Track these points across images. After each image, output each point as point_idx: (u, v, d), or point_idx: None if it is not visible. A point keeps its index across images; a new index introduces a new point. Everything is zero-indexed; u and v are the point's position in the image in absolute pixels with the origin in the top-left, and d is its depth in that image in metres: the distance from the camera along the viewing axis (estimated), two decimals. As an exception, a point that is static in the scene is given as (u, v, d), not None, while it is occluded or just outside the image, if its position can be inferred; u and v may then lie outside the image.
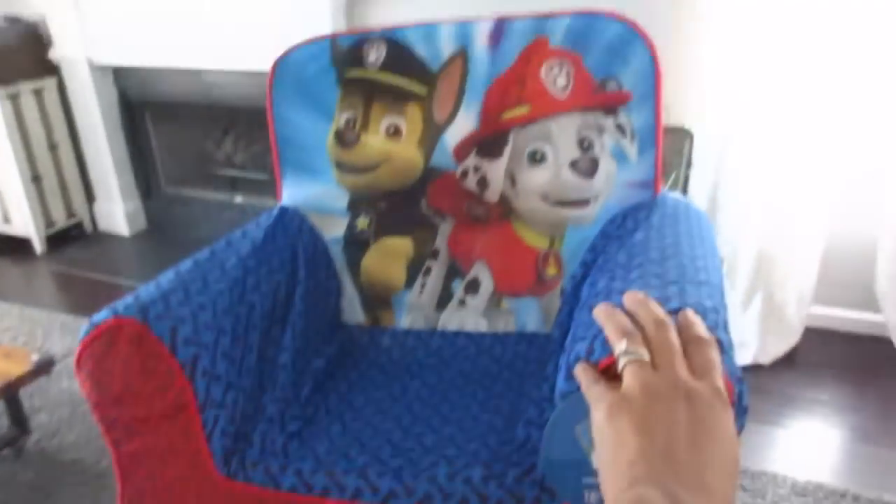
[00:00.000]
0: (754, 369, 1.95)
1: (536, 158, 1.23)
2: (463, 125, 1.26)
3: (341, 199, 1.36)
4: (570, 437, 0.70)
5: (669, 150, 1.96)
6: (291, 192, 1.37)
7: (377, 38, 1.27)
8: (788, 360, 1.98)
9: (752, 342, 1.98)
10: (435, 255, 1.34)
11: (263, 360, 1.12)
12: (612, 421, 0.52)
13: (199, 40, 2.56)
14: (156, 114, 3.00)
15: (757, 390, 1.87)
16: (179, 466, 0.99)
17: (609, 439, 0.51)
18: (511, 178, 1.25)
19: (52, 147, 2.95)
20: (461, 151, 1.27)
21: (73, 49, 2.80)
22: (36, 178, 2.88)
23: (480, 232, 1.31)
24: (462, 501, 0.92)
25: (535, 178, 1.24)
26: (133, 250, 3.01)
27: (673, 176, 1.96)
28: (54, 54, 2.86)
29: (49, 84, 2.90)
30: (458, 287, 1.33)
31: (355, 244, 1.36)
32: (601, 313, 0.64)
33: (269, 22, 2.38)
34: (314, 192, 1.36)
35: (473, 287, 1.32)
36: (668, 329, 0.58)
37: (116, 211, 3.08)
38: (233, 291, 1.08)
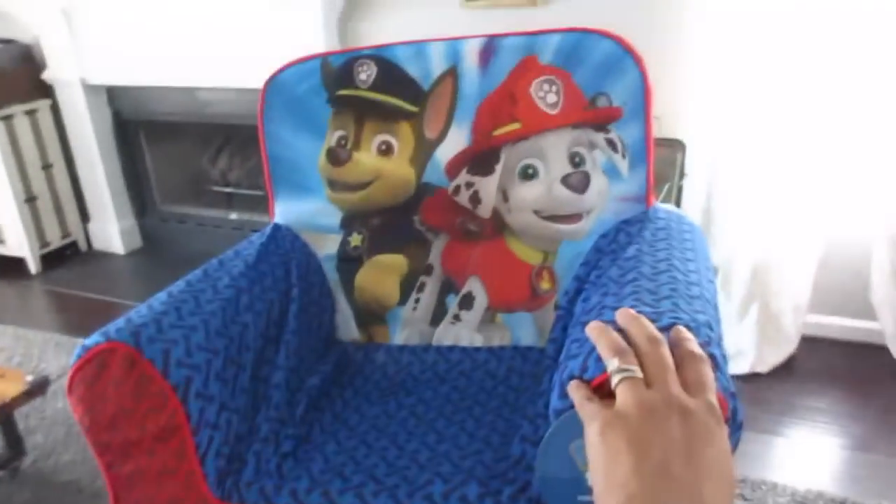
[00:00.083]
0: (752, 378, 1.95)
1: (528, 174, 1.23)
2: (454, 142, 1.26)
3: (334, 217, 1.36)
4: (564, 454, 0.70)
5: (663, 161, 1.97)
6: (284, 210, 1.37)
7: (367, 56, 1.27)
8: (786, 369, 1.98)
9: (749, 351, 1.98)
10: (429, 270, 1.34)
11: (257, 379, 1.11)
12: (606, 438, 0.51)
13: (193, 58, 2.57)
14: (150, 132, 3.00)
15: (755, 399, 1.87)
16: (173, 488, 0.99)
17: (603, 457, 0.51)
18: (503, 194, 1.26)
19: (47, 167, 2.95)
20: (453, 168, 1.28)
21: (66, 70, 2.81)
22: (30, 199, 2.88)
23: (474, 247, 1.31)
24: (458, 520, 0.91)
25: (528, 194, 1.24)
26: (128, 269, 3.01)
27: (666, 187, 1.97)
28: (48, 76, 2.87)
29: (42, 105, 2.91)
30: (453, 302, 1.33)
31: (349, 261, 1.36)
32: (593, 330, 0.63)
33: (263, 39, 2.39)
34: (307, 210, 1.36)
35: (467, 302, 1.32)
36: (661, 345, 0.58)
37: (111, 230, 3.08)
38: (225, 311, 1.08)
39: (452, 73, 1.24)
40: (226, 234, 2.94)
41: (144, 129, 2.99)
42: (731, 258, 2.00)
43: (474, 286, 1.31)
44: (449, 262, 1.33)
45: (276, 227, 1.35)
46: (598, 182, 1.19)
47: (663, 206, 1.22)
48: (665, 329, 0.67)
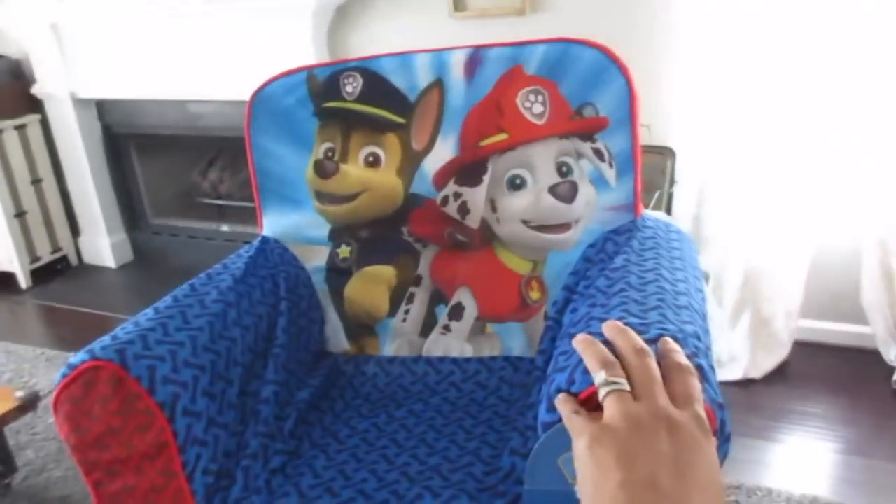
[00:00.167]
0: (746, 384, 1.95)
1: (516, 184, 1.23)
2: (442, 153, 1.26)
3: (322, 229, 1.35)
4: (553, 468, 0.69)
5: (653, 168, 1.97)
6: (272, 223, 1.37)
7: (353, 69, 1.27)
8: (779, 374, 1.98)
9: (742, 357, 1.98)
10: (418, 281, 1.33)
11: (246, 394, 1.11)
12: (594, 452, 0.51)
13: (183, 71, 2.57)
14: (140, 145, 3.00)
15: (750, 405, 1.87)
16: (162, 507, 0.98)
17: (591, 470, 0.51)
18: (491, 204, 1.25)
19: (36, 182, 2.94)
20: (441, 179, 1.27)
21: (56, 84, 2.80)
22: (20, 214, 2.87)
23: (463, 258, 1.31)
24: (449, 535, 0.90)
25: (516, 204, 1.24)
26: (119, 282, 3.00)
27: (657, 194, 1.97)
28: (37, 90, 2.86)
29: (32, 120, 2.90)
30: (442, 313, 1.32)
31: (338, 273, 1.36)
32: (580, 343, 0.63)
33: (253, 51, 2.39)
34: (295, 223, 1.36)
35: (457, 312, 1.31)
36: (648, 357, 0.58)
37: (102, 243, 3.07)
38: (213, 327, 1.07)
39: (439, 85, 1.24)
40: (218, 246, 2.93)
41: (135, 143, 2.99)
42: (722, 264, 2.00)
43: (464, 296, 1.31)
44: (438, 272, 1.33)
45: (265, 240, 1.34)
46: (585, 191, 1.19)
47: (652, 215, 1.22)
48: (652, 341, 0.67)
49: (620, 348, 0.60)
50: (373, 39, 2.38)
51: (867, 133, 1.81)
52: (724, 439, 0.67)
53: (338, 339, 1.37)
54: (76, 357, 0.94)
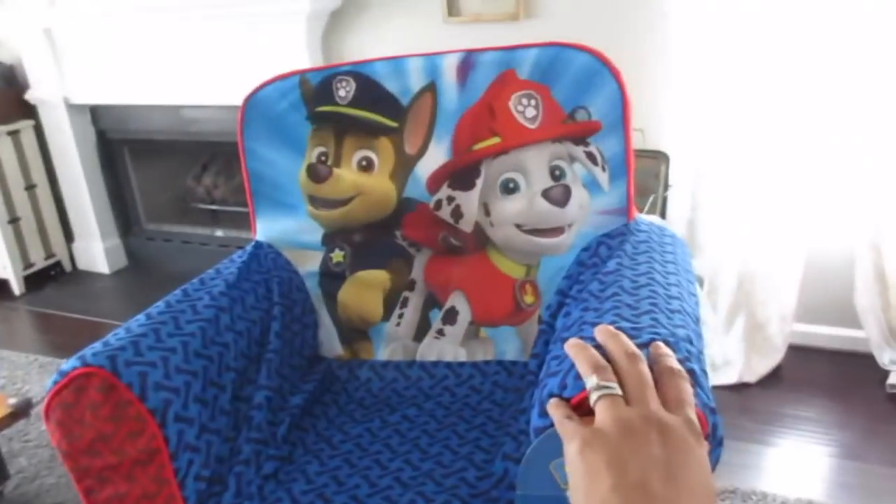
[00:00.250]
0: (741, 388, 1.95)
1: (509, 188, 1.23)
2: (435, 157, 1.26)
3: (316, 233, 1.35)
4: (545, 473, 0.69)
5: (647, 173, 1.98)
6: (265, 228, 1.37)
7: (346, 73, 1.27)
8: (774, 378, 1.98)
9: (737, 361, 1.98)
10: (411, 286, 1.33)
11: (238, 399, 1.10)
12: (585, 456, 0.51)
13: (177, 76, 2.57)
14: (134, 150, 2.99)
15: (744, 409, 1.87)
16: (153, 514, 0.97)
17: (583, 475, 0.51)
18: (485, 208, 1.25)
19: (30, 188, 2.93)
20: (434, 183, 1.27)
21: (49, 90, 2.79)
22: (13, 220, 2.86)
23: (456, 262, 1.30)
24: (442, 540, 0.90)
25: (509, 208, 1.24)
26: (113, 288, 2.99)
27: (651, 198, 1.97)
28: (31, 96, 2.85)
29: (25, 126, 2.89)
30: (436, 317, 1.32)
31: (331, 277, 1.36)
32: (572, 347, 0.63)
33: (248, 56, 2.39)
34: (288, 227, 1.35)
35: (451, 317, 1.31)
36: (640, 362, 0.58)
37: (96, 249, 3.06)
38: (205, 332, 1.06)
39: (431, 89, 1.24)
40: (212, 251, 2.92)
41: (129, 148, 2.98)
42: (716, 269, 2.00)
43: (458, 301, 1.30)
44: (432, 276, 1.32)
45: (258, 245, 1.34)
46: (578, 195, 1.19)
47: (645, 218, 1.22)
48: (644, 345, 0.66)
49: (612, 353, 0.60)
50: (367, 44, 2.38)
51: (861, 137, 1.82)
52: (715, 443, 0.67)
53: (331, 343, 1.37)
54: (67, 363, 0.93)
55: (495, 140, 1.22)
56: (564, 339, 0.68)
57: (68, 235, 3.11)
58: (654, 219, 1.28)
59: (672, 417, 0.52)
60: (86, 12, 2.57)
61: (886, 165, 1.78)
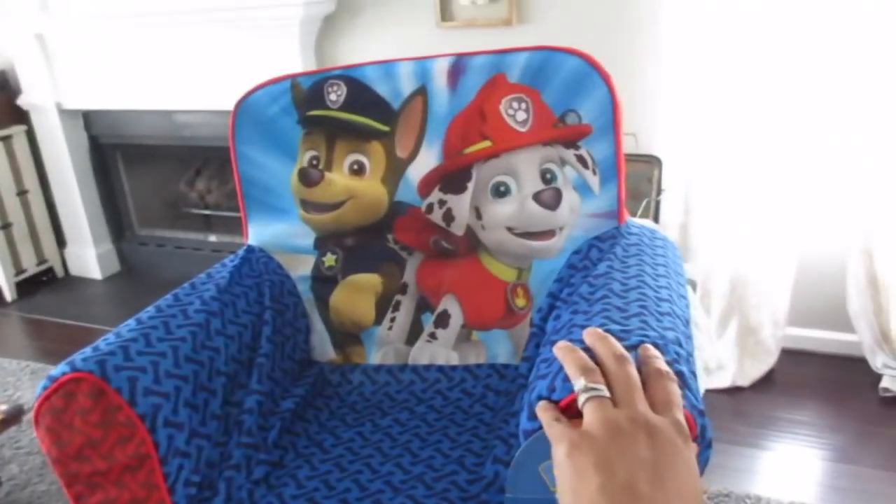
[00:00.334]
0: (734, 392, 1.95)
1: (500, 191, 1.23)
2: (426, 161, 1.26)
3: (307, 238, 1.35)
4: (534, 475, 0.69)
5: (640, 177, 1.98)
6: (257, 232, 1.36)
7: (337, 77, 1.27)
8: (767, 382, 1.98)
9: (730, 365, 1.98)
10: (403, 289, 1.33)
11: (229, 404, 1.10)
12: (573, 458, 0.51)
13: (170, 81, 2.56)
14: (127, 156, 2.98)
15: (738, 413, 1.87)
16: (143, 519, 0.97)
17: (570, 477, 0.51)
18: (476, 212, 1.25)
19: (22, 193, 2.92)
20: (425, 187, 1.27)
21: (41, 95, 2.79)
22: (5, 226, 2.85)
23: (448, 265, 1.30)
24: (433, 545, 0.90)
25: (501, 211, 1.24)
26: (106, 294, 2.97)
27: (644, 203, 1.98)
28: (23, 101, 2.85)
29: (17, 131, 2.88)
30: (428, 321, 1.32)
31: (323, 281, 1.35)
32: (560, 350, 0.63)
33: (240, 61, 2.39)
34: (280, 231, 1.35)
35: (443, 320, 1.31)
36: (628, 364, 0.58)
37: (88, 255, 3.05)
38: (196, 337, 1.06)
39: (422, 92, 1.24)
40: (205, 256, 2.91)
41: (121, 153, 2.97)
42: (709, 273, 2.01)
43: (449, 304, 1.30)
44: (424, 280, 1.32)
45: (250, 249, 1.34)
46: (569, 198, 1.19)
47: (636, 222, 1.22)
48: (633, 347, 0.67)
49: (600, 355, 0.60)
50: (361, 49, 2.38)
51: (852, 142, 1.82)
52: (704, 445, 0.67)
53: (324, 348, 1.36)
54: (57, 369, 0.93)
55: (486, 143, 1.22)
56: (554, 342, 0.68)
57: (60, 241, 3.10)
58: (647, 222, 1.28)
59: (660, 419, 0.52)
60: (78, 17, 2.57)
61: (878, 169, 1.79)
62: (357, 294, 1.34)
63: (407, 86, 1.25)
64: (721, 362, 1.99)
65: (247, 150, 1.33)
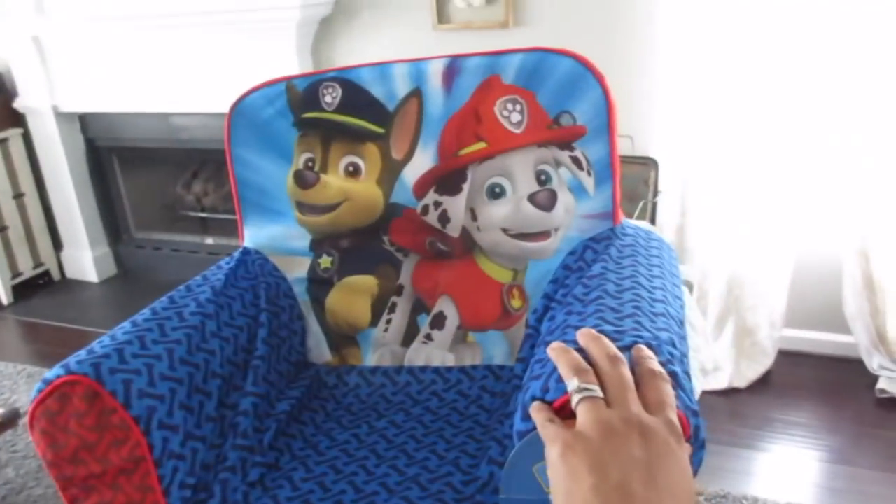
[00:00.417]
0: (731, 393, 1.95)
1: (496, 192, 1.23)
2: (421, 162, 1.26)
3: (303, 239, 1.35)
4: (528, 476, 0.69)
5: (636, 179, 1.98)
6: (253, 234, 1.36)
7: (332, 79, 1.27)
8: (764, 384, 1.98)
9: (726, 366, 1.98)
10: (399, 291, 1.33)
11: (224, 406, 1.10)
12: (566, 459, 0.51)
13: (166, 84, 2.56)
14: (123, 158, 2.98)
15: (734, 414, 1.87)
16: (138, 522, 0.97)
17: (564, 478, 0.51)
18: (472, 213, 1.25)
19: (18, 196, 2.92)
20: (420, 188, 1.27)
21: (38, 98, 2.78)
22: (1, 229, 2.84)
23: (444, 267, 1.30)
24: (428, 546, 0.90)
25: (496, 212, 1.24)
26: (103, 297, 2.97)
27: (641, 205, 1.98)
28: (19, 104, 2.84)
29: (14, 134, 2.88)
30: (424, 322, 1.32)
31: (319, 283, 1.35)
32: (553, 351, 0.63)
33: (237, 63, 2.39)
34: (276, 233, 1.35)
35: (439, 322, 1.31)
36: (621, 364, 0.58)
37: (85, 258, 3.04)
38: (191, 339, 1.06)
39: (417, 94, 1.24)
40: (202, 259, 2.91)
41: (118, 156, 2.97)
42: (706, 274, 2.01)
43: (445, 305, 1.30)
44: (419, 281, 1.32)
45: (246, 251, 1.34)
46: (564, 199, 1.19)
47: (631, 223, 1.22)
48: (626, 348, 0.67)
49: (594, 356, 0.60)
50: (357, 52, 2.38)
51: (849, 143, 1.83)
52: (698, 446, 0.67)
53: (320, 349, 1.36)
54: (52, 372, 0.93)
55: (481, 145, 1.22)
56: (548, 343, 0.68)
57: (57, 244, 3.10)
58: (643, 224, 1.28)
59: (653, 419, 0.52)
60: (74, 20, 2.57)
61: (875, 171, 1.79)
62: (353, 296, 1.34)
63: (402, 87, 1.25)
64: (718, 364, 1.99)
65: (242, 152, 1.33)
